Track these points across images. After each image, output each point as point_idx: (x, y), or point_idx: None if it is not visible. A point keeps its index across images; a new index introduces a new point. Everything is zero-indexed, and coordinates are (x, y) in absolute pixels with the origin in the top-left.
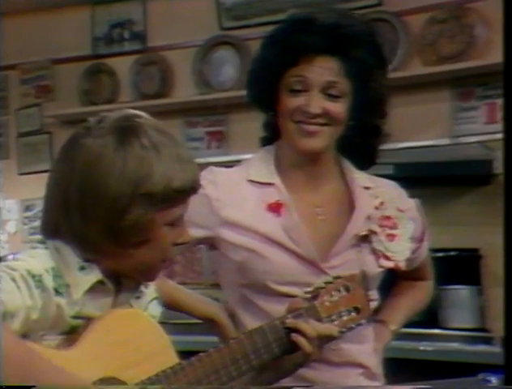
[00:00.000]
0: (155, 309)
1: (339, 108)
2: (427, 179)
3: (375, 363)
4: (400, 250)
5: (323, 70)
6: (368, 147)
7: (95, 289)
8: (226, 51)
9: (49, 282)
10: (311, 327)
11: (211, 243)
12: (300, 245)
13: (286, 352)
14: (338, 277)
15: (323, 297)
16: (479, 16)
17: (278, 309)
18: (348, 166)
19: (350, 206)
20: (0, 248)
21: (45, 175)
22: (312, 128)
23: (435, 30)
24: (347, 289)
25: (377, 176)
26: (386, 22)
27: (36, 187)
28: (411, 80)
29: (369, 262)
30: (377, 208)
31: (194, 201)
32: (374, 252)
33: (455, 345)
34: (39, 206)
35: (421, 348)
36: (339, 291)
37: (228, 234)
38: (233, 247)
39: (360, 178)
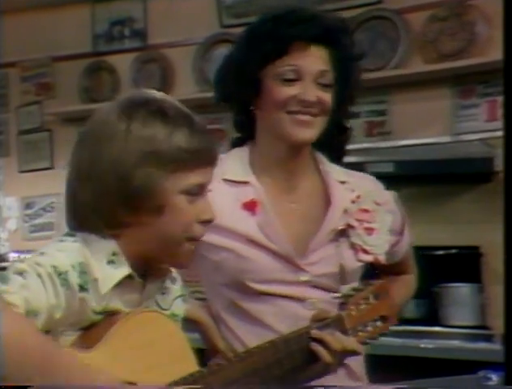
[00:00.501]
0: (180, 307)
1: (328, 97)
2: (428, 177)
3: (358, 363)
4: (379, 244)
5: (315, 58)
6: (339, 142)
7: (122, 284)
8: (226, 49)
9: (75, 279)
10: (336, 340)
11: None
12: (276, 242)
13: (309, 362)
14: (369, 284)
15: (350, 306)
16: (480, 13)
17: (258, 307)
18: (322, 160)
19: (326, 201)
20: (0, 246)
21: (46, 172)
22: (306, 118)
23: (436, 27)
24: (377, 297)
25: (378, 174)
26: (386, 19)
27: (37, 185)
28: (411, 78)
29: (347, 256)
30: (353, 202)
31: None
32: (353, 246)
33: (456, 343)
34: (39, 203)
35: (422, 345)
36: (367, 299)
37: (206, 235)
38: (212, 247)
39: (335, 172)
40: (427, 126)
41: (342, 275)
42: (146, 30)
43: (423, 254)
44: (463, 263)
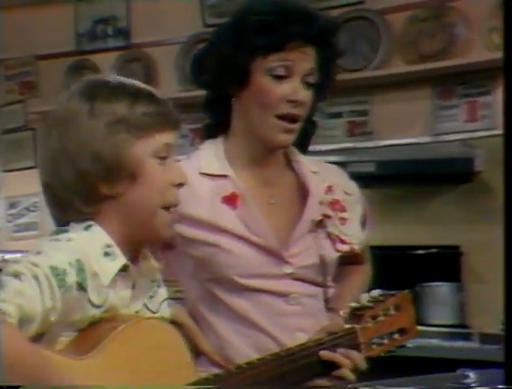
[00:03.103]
0: (166, 310)
1: (311, 97)
2: (408, 177)
3: None
4: (354, 233)
5: (307, 56)
6: (307, 135)
7: (117, 279)
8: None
9: (73, 277)
10: (349, 359)
11: (167, 241)
12: (259, 235)
13: (313, 377)
14: (390, 295)
15: (367, 318)
16: (459, 15)
17: (243, 304)
18: (293, 151)
19: (300, 191)
20: None
21: (30, 172)
22: (293, 126)
23: (416, 28)
24: (397, 309)
25: (359, 173)
26: (367, 20)
27: (21, 184)
28: (392, 78)
29: (326, 246)
30: (326, 192)
31: None
32: (330, 236)
33: (435, 341)
34: (23, 203)
35: None
36: (387, 310)
37: (187, 230)
38: (194, 243)
39: (307, 163)
40: (408, 127)
41: (322, 267)
42: (129, 29)
43: (403, 253)
44: (443, 263)
